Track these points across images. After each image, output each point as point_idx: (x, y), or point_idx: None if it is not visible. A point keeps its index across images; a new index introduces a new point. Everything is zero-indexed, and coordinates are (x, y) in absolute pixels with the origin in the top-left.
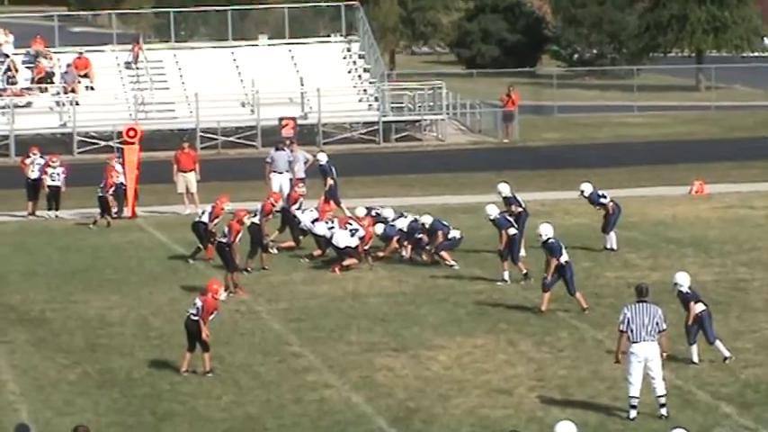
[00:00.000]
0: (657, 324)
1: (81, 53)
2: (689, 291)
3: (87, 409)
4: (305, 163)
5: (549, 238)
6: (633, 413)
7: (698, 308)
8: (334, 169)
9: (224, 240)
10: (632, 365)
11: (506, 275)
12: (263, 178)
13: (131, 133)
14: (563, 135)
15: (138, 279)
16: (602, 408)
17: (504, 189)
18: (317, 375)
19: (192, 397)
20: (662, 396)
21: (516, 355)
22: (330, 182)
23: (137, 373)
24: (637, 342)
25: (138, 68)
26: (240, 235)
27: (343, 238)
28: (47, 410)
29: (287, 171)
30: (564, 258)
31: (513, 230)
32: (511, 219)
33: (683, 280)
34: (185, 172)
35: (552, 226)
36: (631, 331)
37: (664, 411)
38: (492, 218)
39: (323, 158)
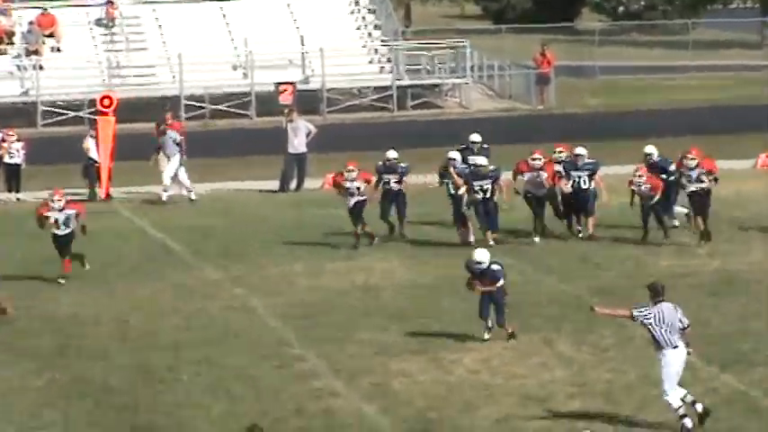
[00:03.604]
0: (681, 322)
1: (45, 9)
2: None
3: (57, 422)
4: (307, 135)
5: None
6: (688, 422)
7: None
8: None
9: None
10: (673, 372)
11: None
12: (259, 153)
13: (106, 102)
14: (606, 100)
15: (115, 271)
16: (652, 418)
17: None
18: (322, 382)
19: (177, 407)
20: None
21: (553, 356)
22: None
23: (114, 381)
24: (675, 347)
25: (112, 27)
26: None
27: None
28: (9, 424)
29: (178, 153)
30: (501, 283)
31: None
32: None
33: None
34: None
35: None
36: (662, 334)
37: (699, 407)
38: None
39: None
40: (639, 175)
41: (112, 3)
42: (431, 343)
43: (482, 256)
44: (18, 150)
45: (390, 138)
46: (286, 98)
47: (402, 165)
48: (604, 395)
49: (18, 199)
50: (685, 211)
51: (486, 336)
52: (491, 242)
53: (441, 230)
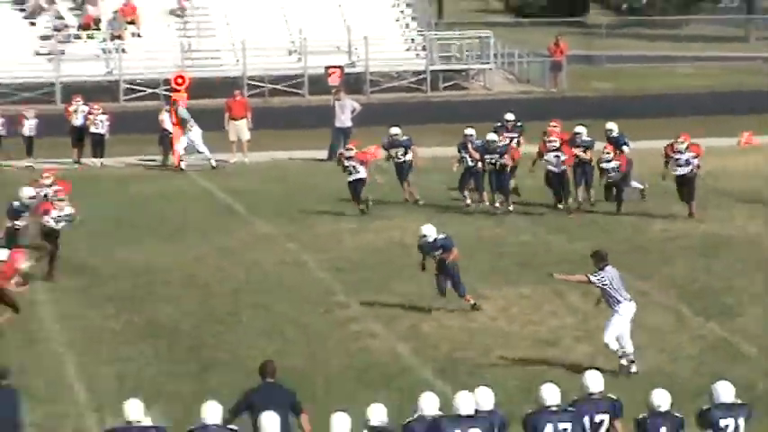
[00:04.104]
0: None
1: (129, 0)
2: None
3: (133, 357)
4: (352, 111)
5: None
6: (624, 361)
7: None
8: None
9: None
10: (621, 324)
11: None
12: (311, 126)
13: (179, 81)
14: (612, 85)
15: (185, 227)
16: (648, 358)
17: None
18: (361, 326)
19: (236, 346)
20: (632, 353)
21: (563, 306)
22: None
23: (182, 322)
24: (629, 300)
25: (184, 16)
26: None
27: None
28: (93, 360)
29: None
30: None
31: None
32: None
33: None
34: (237, 120)
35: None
36: (616, 291)
37: (634, 369)
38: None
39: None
40: (607, 152)
41: None
42: (456, 294)
43: (428, 230)
44: (102, 122)
45: (423, 115)
46: (334, 80)
47: (405, 138)
48: None
49: (101, 164)
50: (641, 186)
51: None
52: (510, 207)
53: (448, 201)
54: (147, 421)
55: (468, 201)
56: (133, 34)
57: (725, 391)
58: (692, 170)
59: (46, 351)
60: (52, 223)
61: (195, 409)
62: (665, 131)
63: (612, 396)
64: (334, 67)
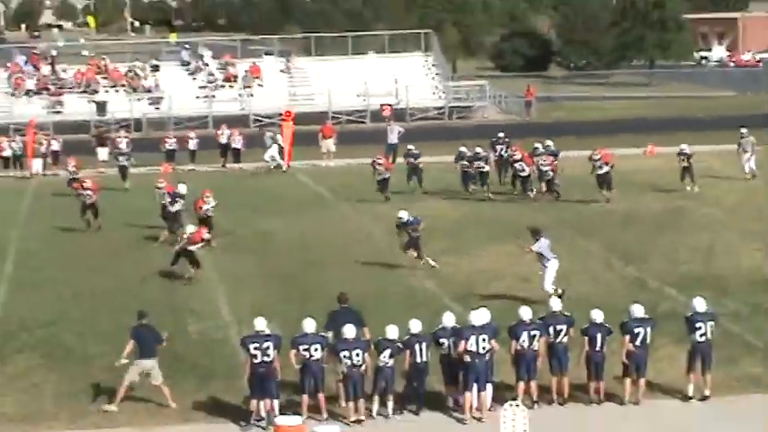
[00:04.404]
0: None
1: (254, 62)
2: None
3: (259, 291)
4: (398, 133)
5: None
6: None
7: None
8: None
9: None
10: (551, 274)
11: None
12: (372, 143)
13: (287, 114)
14: (564, 114)
15: (294, 208)
16: (589, 289)
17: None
18: (406, 269)
19: (327, 285)
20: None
21: (534, 256)
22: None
23: (296, 269)
24: (553, 259)
25: (290, 73)
26: None
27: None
28: (234, 293)
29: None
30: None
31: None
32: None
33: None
34: (327, 138)
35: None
36: (548, 254)
37: (560, 291)
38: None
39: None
40: (544, 159)
41: (289, 60)
42: (465, 247)
43: (403, 213)
44: (240, 140)
45: (443, 135)
46: (386, 113)
47: (416, 151)
48: (564, 278)
49: (240, 168)
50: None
51: (432, 262)
52: (490, 195)
53: (459, 191)
54: (268, 331)
55: (470, 189)
56: (258, 85)
57: (638, 310)
58: (607, 171)
59: (207, 287)
60: (208, 212)
61: (298, 324)
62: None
63: (567, 313)
64: (386, 104)
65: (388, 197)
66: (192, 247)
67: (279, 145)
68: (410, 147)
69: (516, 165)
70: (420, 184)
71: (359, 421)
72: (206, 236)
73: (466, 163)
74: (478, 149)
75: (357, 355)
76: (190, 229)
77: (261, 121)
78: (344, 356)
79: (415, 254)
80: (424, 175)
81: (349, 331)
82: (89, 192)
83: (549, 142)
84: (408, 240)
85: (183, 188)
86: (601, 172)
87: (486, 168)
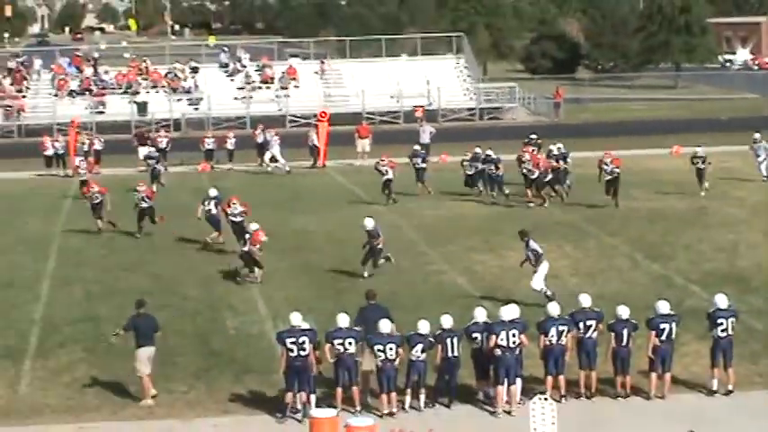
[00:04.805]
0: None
1: (291, 65)
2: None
3: (293, 287)
4: (430, 133)
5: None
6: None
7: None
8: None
9: None
10: (541, 275)
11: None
12: (404, 142)
13: (323, 114)
14: (591, 116)
15: (329, 206)
16: (615, 286)
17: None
18: (436, 266)
19: (358, 280)
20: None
21: (562, 253)
22: None
23: (330, 266)
24: (544, 261)
25: (325, 74)
26: None
27: None
28: (269, 288)
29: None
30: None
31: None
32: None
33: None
34: (362, 138)
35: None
36: (542, 253)
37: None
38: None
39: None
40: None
41: (323, 62)
42: (495, 245)
43: (368, 222)
44: (276, 140)
45: (474, 135)
46: (419, 114)
47: (423, 152)
48: (591, 275)
49: (276, 166)
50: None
51: (366, 274)
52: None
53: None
54: (304, 326)
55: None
56: (294, 86)
57: (664, 306)
58: (616, 176)
59: (244, 283)
60: (233, 218)
61: (332, 319)
62: (625, 144)
63: (597, 309)
64: (419, 105)
65: (394, 199)
66: (252, 248)
67: (279, 146)
68: (416, 147)
69: (524, 165)
70: (422, 183)
71: (391, 414)
72: (264, 238)
73: (479, 164)
74: (489, 152)
75: (391, 349)
76: (253, 226)
77: (297, 121)
78: (378, 350)
79: (372, 262)
80: (447, 175)
81: (384, 326)
82: (97, 194)
83: (552, 146)
84: (370, 250)
85: (213, 192)
86: (612, 177)
87: (498, 172)
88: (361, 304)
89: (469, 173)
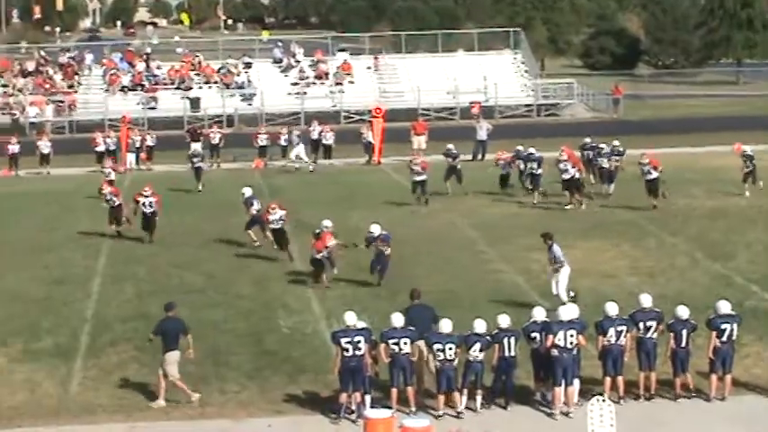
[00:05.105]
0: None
1: (345, 60)
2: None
3: (352, 286)
4: (487, 130)
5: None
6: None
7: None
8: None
9: None
10: (564, 280)
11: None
12: (461, 139)
13: (378, 110)
14: (651, 113)
15: (382, 203)
16: (675, 285)
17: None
18: (495, 265)
19: (416, 279)
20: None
21: (620, 252)
22: None
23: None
24: (566, 265)
25: (380, 70)
26: None
27: None
28: (329, 291)
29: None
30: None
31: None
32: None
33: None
34: (418, 135)
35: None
36: (564, 258)
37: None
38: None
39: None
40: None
41: (377, 57)
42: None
43: (374, 228)
44: (331, 136)
45: (531, 132)
46: (475, 110)
47: (454, 150)
48: (651, 275)
49: (330, 163)
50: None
51: (377, 282)
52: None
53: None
54: (359, 325)
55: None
56: (349, 82)
57: (724, 306)
58: (653, 177)
59: (297, 282)
60: (274, 225)
61: (387, 319)
62: (687, 141)
63: (658, 309)
64: (476, 101)
65: (427, 201)
66: (317, 255)
67: (304, 144)
68: (449, 146)
69: (560, 165)
70: (460, 183)
71: (458, 414)
72: (330, 242)
73: (521, 163)
74: (531, 149)
75: (450, 349)
76: (325, 224)
77: (351, 117)
78: (438, 350)
79: (380, 273)
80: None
81: (445, 326)
82: (113, 197)
83: (615, 142)
84: (376, 258)
85: (248, 191)
86: (650, 177)
87: (539, 171)
88: (424, 303)
89: (504, 172)
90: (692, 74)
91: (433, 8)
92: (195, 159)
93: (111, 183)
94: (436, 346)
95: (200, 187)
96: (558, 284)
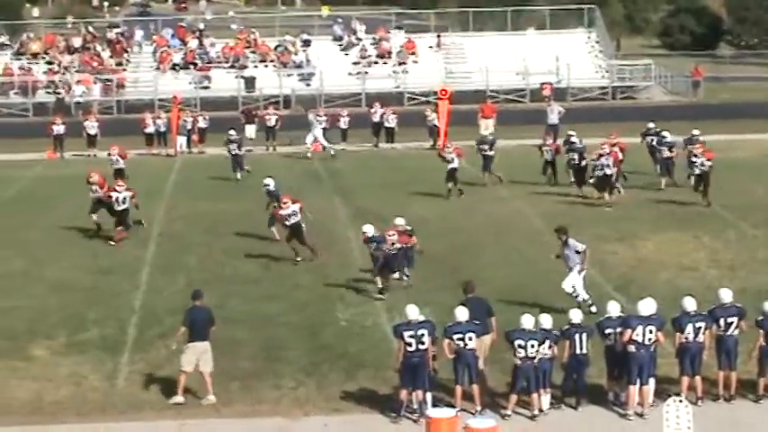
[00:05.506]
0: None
1: (409, 38)
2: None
3: (414, 278)
4: (558, 113)
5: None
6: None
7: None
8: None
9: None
10: (575, 276)
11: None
12: (530, 123)
13: (443, 92)
14: (732, 96)
15: (441, 190)
16: (759, 281)
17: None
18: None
19: (479, 270)
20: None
21: (699, 244)
22: None
23: (448, 254)
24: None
25: (445, 49)
26: None
27: None
28: (390, 283)
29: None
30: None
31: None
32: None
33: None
34: (487, 118)
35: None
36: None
37: (594, 309)
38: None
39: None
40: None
41: (440, 35)
42: (627, 234)
43: (368, 228)
44: (393, 119)
45: (606, 116)
46: (547, 92)
47: (491, 137)
48: (731, 268)
49: (392, 147)
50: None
51: (404, 283)
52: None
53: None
54: (421, 318)
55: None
56: (413, 61)
57: None
58: (707, 170)
59: (356, 273)
60: (290, 221)
61: (450, 313)
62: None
63: (739, 304)
64: (547, 83)
65: (460, 190)
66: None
67: (322, 128)
68: (483, 133)
69: (602, 160)
70: (489, 172)
71: (541, 411)
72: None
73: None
74: (574, 138)
75: (532, 346)
76: (398, 221)
77: (416, 99)
78: (519, 346)
79: (383, 275)
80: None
81: (527, 321)
82: (98, 188)
83: (665, 132)
84: (377, 260)
85: (270, 182)
86: (701, 171)
87: (583, 163)
88: (483, 294)
89: (548, 158)
90: None
91: None
92: (232, 147)
93: (118, 172)
94: (518, 342)
95: (239, 176)
96: (567, 280)
